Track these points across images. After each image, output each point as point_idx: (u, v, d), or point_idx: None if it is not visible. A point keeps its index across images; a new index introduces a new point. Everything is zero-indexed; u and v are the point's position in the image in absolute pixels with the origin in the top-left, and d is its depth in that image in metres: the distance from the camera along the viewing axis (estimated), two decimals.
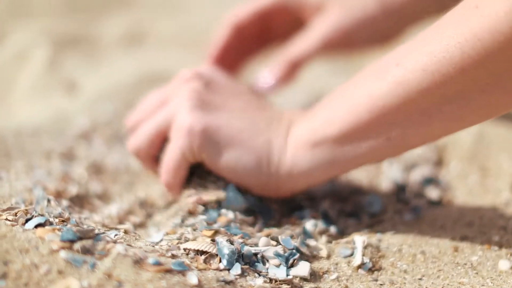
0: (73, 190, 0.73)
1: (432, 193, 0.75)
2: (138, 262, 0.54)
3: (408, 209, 0.72)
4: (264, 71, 0.84)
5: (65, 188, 0.73)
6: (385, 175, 0.77)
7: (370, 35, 0.84)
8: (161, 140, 0.69)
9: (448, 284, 0.58)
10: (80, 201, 0.73)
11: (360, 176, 0.78)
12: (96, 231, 0.60)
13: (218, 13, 1.36)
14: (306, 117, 0.66)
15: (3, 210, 0.66)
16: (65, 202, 0.70)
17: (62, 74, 1.06)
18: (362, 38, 0.83)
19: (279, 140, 0.66)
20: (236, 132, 0.66)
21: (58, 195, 0.71)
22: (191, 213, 0.66)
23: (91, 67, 1.11)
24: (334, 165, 0.64)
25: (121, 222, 0.71)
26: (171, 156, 0.67)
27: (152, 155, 0.70)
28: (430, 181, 0.76)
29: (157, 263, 0.55)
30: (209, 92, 0.68)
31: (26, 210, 0.65)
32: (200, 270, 0.58)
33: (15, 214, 0.63)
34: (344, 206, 0.73)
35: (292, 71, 0.82)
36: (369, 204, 0.72)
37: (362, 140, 0.61)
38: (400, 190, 0.76)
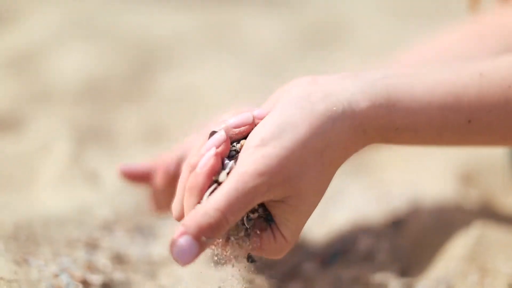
0: (98, 278, 0.77)
1: None
2: None
3: None
4: None
5: (90, 276, 0.77)
6: None
7: None
8: None
9: None
10: None
11: None
12: None
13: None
14: None
15: None
16: None
17: (84, 166, 1.11)
18: None
19: None
20: None
21: (85, 283, 0.75)
22: None
23: (112, 160, 1.16)
24: None
25: None
26: None
27: None
28: None
29: None
30: None
31: None
32: None
33: None
34: None
35: None
36: None
37: None
38: None
